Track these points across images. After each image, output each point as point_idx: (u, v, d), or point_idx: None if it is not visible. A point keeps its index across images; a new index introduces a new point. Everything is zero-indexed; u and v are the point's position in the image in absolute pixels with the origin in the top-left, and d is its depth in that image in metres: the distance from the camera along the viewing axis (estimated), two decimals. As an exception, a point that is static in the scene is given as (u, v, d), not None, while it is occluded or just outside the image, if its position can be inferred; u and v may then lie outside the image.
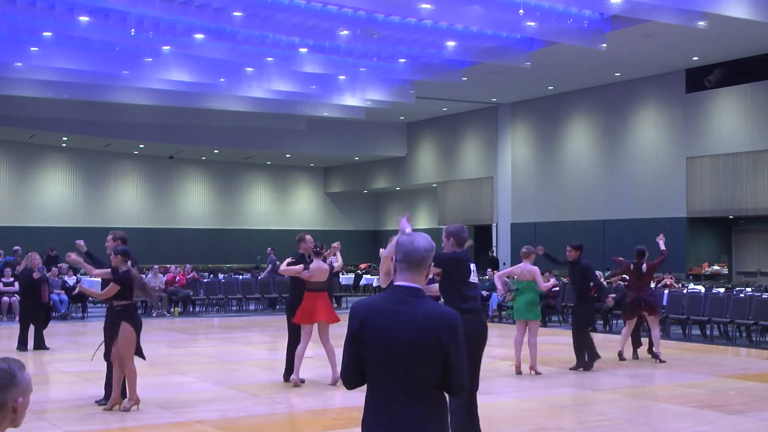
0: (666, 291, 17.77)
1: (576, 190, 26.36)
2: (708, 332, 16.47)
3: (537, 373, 11.48)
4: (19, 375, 2.64)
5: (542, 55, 20.92)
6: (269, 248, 27.46)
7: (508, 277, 12.72)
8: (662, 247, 13.29)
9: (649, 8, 17.06)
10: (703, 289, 18.04)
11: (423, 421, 3.23)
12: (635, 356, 13.41)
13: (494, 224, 29.45)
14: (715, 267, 23.09)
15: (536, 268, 11.97)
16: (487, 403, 9.56)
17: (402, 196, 36.93)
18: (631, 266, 13.41)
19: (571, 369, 11.89)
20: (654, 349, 13.04)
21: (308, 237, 10.70)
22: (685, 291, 17.77)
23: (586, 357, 11.99)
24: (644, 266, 13.16)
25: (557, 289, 20.05)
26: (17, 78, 22.71)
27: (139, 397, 8.80)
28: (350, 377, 3.41)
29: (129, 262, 8.83)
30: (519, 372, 11.53)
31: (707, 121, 22.88)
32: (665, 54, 21.47)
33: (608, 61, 21.91)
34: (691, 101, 23.16)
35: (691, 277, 22.34)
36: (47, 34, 19.82)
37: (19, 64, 21.72)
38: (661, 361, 12.82)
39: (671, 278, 19.80)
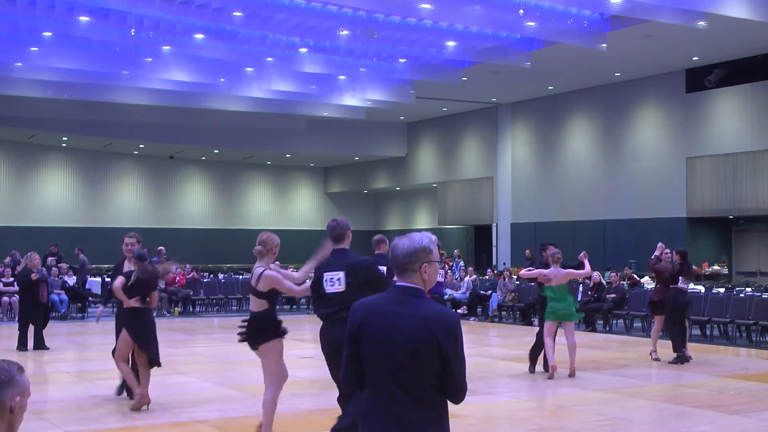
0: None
1: (576, 190, 26.35)
2: (708, 332, 16.47)
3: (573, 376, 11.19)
4: (17, 376, 2.63)
5: (542, 55, 20.91)
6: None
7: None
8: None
9: (649, 8, 17.06)
10: (703, 289, 18.04)
11: (422, 422, 3.22)
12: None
13: (494, 224, 29.44)
14: (715, 267, 23.08)
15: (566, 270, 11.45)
16: (487, 403, 9.57)
17: (402, 196, 36.94)
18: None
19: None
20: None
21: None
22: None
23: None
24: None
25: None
26: (17, 78, 22.71)
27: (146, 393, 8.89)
28: (349, 378, 3.40)
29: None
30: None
31: (707, 121, 22.87)
32: (665, 54, 21.46)
33: (608, 61, 21.90)
34: (691, 101, 23.16)
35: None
36: (47, 34, 19.82)
37: (19, 64, 21.73)
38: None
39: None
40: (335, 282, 6.50)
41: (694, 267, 13.65)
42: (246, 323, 6.97)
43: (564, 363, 11.40)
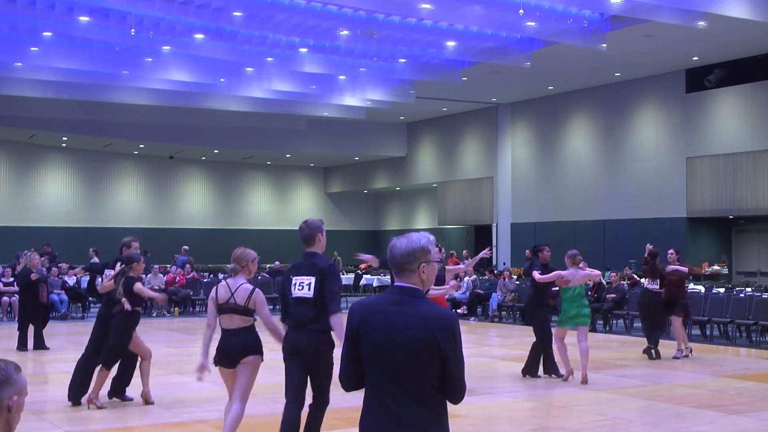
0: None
1: (576, 190, 26.35)
2: (708, 332, 16.47)
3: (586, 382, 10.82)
4: (15, 375, 2.63)
5: (542, 55, 20.91)
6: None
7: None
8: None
9: (649, 8, 17.06)
10: (703, 289, 18.04)
11: (422, 422, 3.22)
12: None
13: (494, 224, 29.43)
14: (715, 267, 23.07)
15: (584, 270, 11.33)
16: (487, 403, 9.56)
17: (402, 196, 36.93)
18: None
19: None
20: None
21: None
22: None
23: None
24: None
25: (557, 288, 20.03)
26: (17, 78, 22.72)
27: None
28: (348, 378, 3.40)
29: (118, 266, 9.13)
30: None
31: (707, 121, 22.87)
32: (665, 54, 21.46)
33: (608, 61, 21.90)
34: (691, 101, 23.15)
35: (690, 277, 22.33)
36: (47, 34, 19.82)
37: (19, 64, 21.73)
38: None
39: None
40: (304, 286, 6.11)
41: (676, 266, 13.41)
42: (227, 343, 6.58)
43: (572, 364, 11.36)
